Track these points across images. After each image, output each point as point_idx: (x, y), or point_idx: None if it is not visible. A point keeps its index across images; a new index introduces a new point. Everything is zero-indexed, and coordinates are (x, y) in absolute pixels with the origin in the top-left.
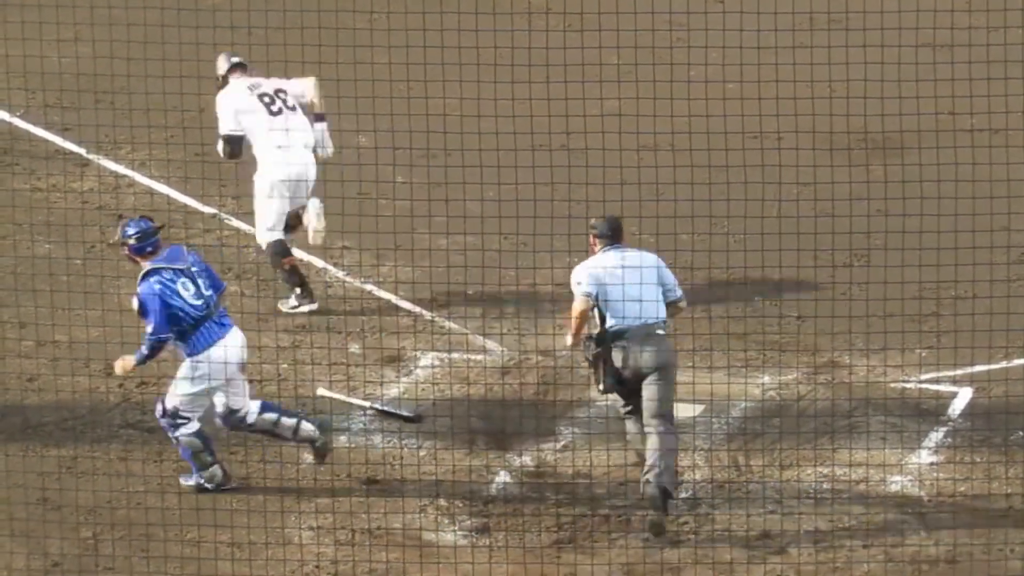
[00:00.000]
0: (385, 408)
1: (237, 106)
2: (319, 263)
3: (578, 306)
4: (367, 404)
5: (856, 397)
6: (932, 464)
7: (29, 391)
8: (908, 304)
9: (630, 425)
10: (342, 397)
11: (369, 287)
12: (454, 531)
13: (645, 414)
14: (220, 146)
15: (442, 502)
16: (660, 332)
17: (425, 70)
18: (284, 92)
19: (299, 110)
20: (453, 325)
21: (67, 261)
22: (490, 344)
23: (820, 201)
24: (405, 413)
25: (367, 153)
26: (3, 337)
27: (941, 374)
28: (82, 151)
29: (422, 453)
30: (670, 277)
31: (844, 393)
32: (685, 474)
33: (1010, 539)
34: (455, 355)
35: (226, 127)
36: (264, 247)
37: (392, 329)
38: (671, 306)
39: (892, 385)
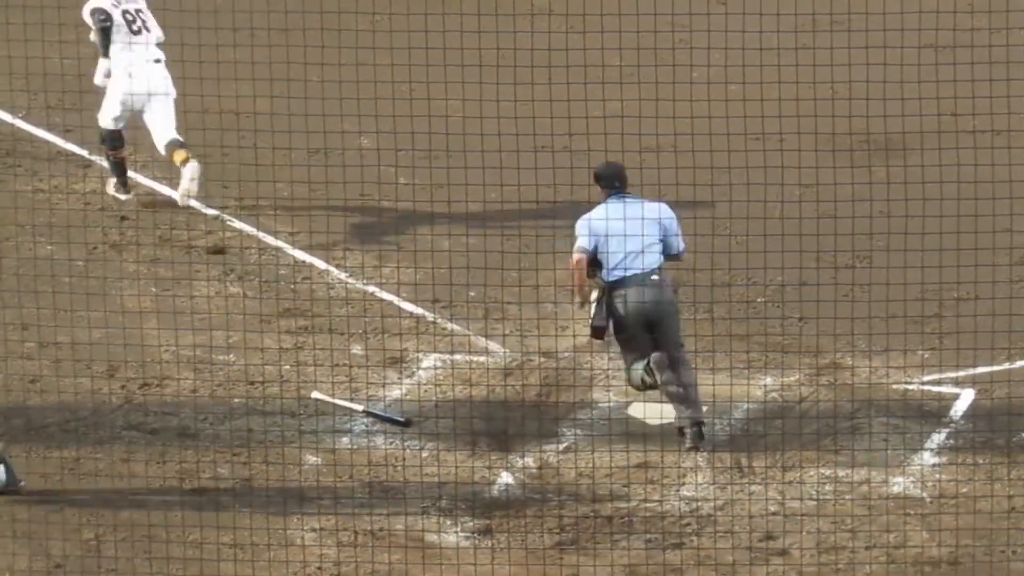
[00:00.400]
0: (375, 412)
1: (98, 10)
2: (321, 264)
3: (574, 257)
4: (359, 408)
5: (858, 398)
6: (934, 465)
7: (32, 392)
8: (910, 305)
9: (636, 368)
10: (335, 400)
11: (371, 288)
12: (456, 532)
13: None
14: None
15: (444, 503)
16: (656, 278)
17: (427, 71)
18: (144, 14)
19: (153, 32)
20: (455, 326)
21: (69, 262)
22: (492, 345)
23: (822, 202)
24: (396, 417)
25: (369, 154)
26: (6, 338)
27: (943, 375)
28: (84, 153)
29: (424, 454)
30: (674, 227)
31: (846, 394)
32: (687, 475)
33: (1012, 541)
34: (457, 356)
35: (93, 26)
36: (101, 127)
37: (394, 330)
38: (672, 258)
39: (894, 386)
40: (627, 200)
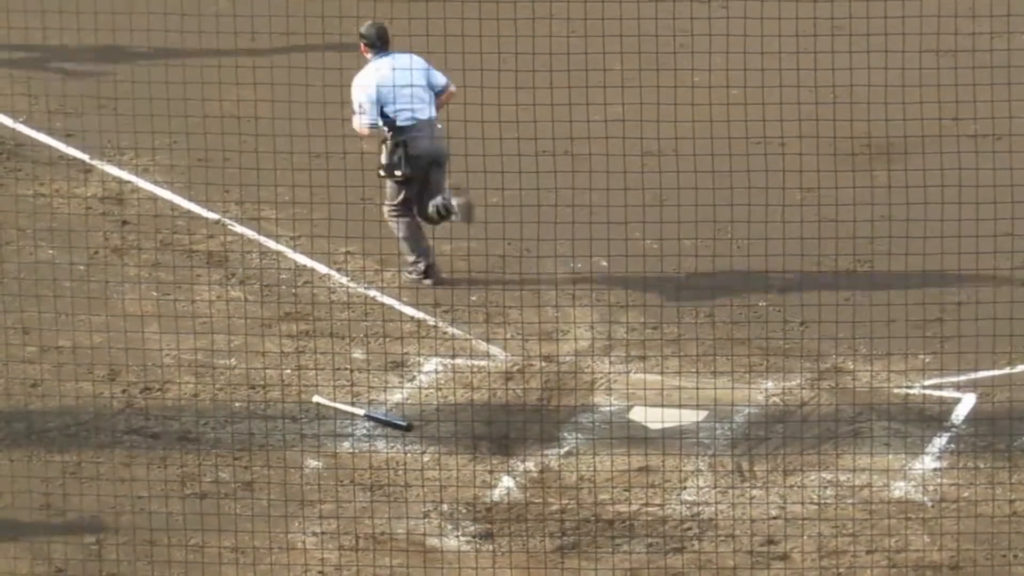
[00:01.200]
0: (376, 416)
1: None
2: (323, 269)
3: (362, 130)
4: (360, 412)
5: (859, 403)
6: (935, 470)
7: (33, 396)
8: (911, 309)
9: (402, 225)
10: (336, 404)
11: (372, 293)
12: (458, 537)
13: (426, 199)
14: None
15: (446, 507)
16: (439, 126)
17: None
18: None
19: None
20: (456, 331)
21: (70, 267)
22: (493, 349)
23: (823, 206)
24: (397, 421)
25: (370, 158)
26: (7, 343)
27: (944, 380)
28: (85, 157)
29: (425, 459)
30: (438, 77)
31: (847, 399)
32: (688, 480)
33: (1014, 545)
34: (458, 361)
35: None
36: None
37: (395, 335)
38: (443, 94)
39: (895, 391)
40: (392, 56)
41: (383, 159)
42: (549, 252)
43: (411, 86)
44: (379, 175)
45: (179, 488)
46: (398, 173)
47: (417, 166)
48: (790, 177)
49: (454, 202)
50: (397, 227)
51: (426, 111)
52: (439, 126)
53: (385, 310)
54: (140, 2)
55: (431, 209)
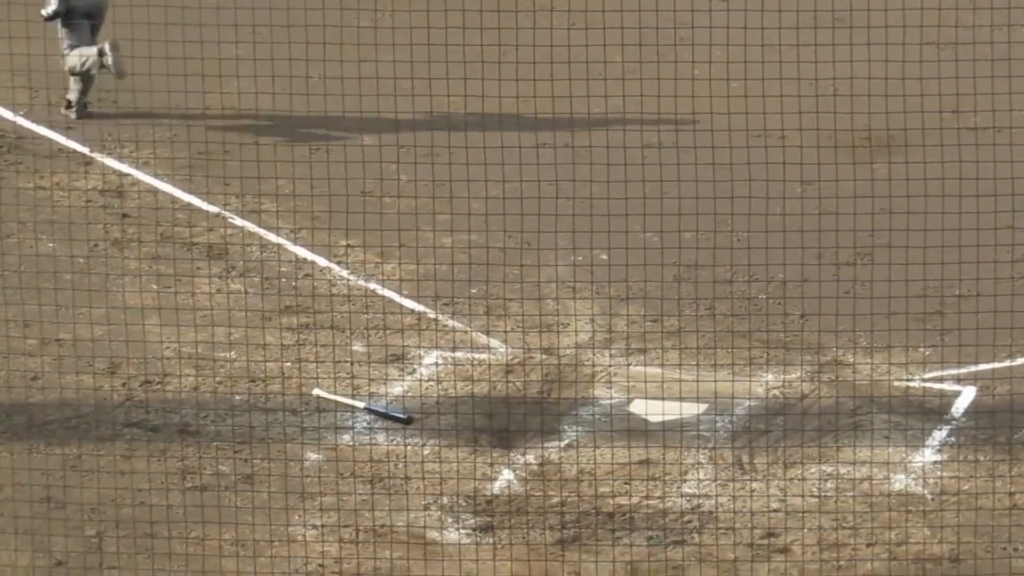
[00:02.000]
0: (377, 408)
1: None
2: (323, 262)
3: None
4: (360, 405)
5: (860, 395)
6: (936, 463)
7: (33, 389)
8: (912, 302)
9: (74, 56)
10: (336, 397)
11: (373, 286)
12: (458, 529)
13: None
14: None
15: (446, 500)
16: None
17: (429, 68)
18: None
19: None
20: (457, 324)
21: (71, 259)
22: (494, 342)
23: (824, 199)
24: (397, 414)
25: (371, 151)
26: (7, 335)
27: (945, 372)
28: (85, 150)
29: (426, 451)
30: None
31: (848, 391)
32: (688, 472)
33: (1014, 538)
34: (459, 353)
35: None
36: None
37: (396, 327)
38: None
39: (896, 384)
40: None
41: (50, 7)
42: (549, 245)
43: None
44: (42, 18)
45: (179, 481)
46: (55, 16)
47: (81, 13)
48: (790, 170)
49: (108, 54)
50: (68, 65)
51: None
52: None
53: (385, 303)
54: None
55: (90, 62)
